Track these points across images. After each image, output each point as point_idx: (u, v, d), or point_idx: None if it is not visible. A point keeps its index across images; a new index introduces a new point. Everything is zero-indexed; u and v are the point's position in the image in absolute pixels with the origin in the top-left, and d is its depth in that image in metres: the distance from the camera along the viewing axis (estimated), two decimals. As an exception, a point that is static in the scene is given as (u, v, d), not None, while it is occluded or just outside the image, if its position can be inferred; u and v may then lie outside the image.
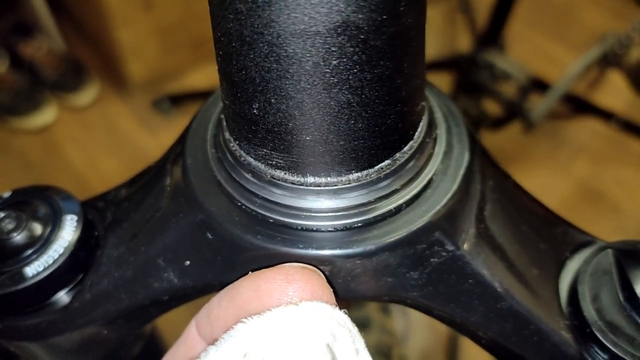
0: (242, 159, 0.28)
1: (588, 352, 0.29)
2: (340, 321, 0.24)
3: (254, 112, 0.25)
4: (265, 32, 0.21)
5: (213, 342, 0.24)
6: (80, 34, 2.00)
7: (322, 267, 0.27)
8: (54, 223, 0.33)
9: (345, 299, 0.29)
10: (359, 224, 0.27)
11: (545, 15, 2.14)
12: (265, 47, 0.22)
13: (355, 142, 0.25)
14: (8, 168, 1.71)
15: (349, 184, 0.26)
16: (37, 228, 0.32)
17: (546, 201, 0.34)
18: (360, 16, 0.21)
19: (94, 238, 0.33)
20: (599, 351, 0.29)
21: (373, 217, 0.27)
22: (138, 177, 0.36)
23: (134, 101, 1.87)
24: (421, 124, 0.28)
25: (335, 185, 0.26)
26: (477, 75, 1.44)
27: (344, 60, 0.22)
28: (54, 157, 1.74)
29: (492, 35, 1.54)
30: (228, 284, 0.26)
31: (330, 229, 0.27)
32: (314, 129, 0.24)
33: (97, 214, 0.35)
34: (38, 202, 0.34)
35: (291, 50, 0.22)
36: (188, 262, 0.30)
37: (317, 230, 0.27)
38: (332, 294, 0.25)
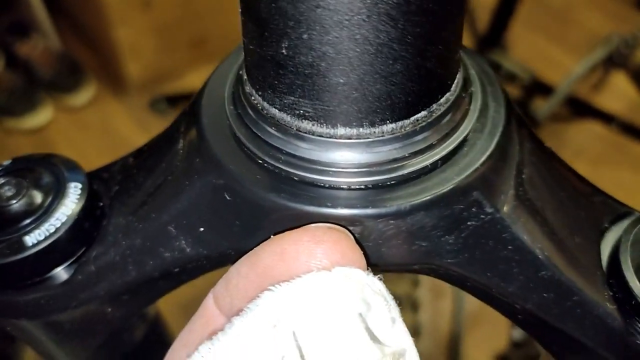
0: (265, 112, 0.26)
1: (633, 325, 0.27)
2: (374, 288, 0.22)
3: (283, 53, 0.23)
4: None
5: (234, 314, 0.22)
6: (76, 33, 1.99)
7: (351, 228, 0.25)
8: (56, 191, 0.31)
9: (375, 268, 0.27)
10: (392, 181, 0.25)
11: (544, 17, 2.14)
12: None
13: (393, 87, 0.23)
14: (2, 168, 1.68)
15: (382, 136, 0.24)
16: (38, 196, 0.30)
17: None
18: None
19: (99, 209, 0.31)
20: (645, 324, 0.27)
21: (407, 173, 0.25)
22: (146, 146, 0.34)
23: (130, 102, 1.85)
24: (457, 76, 0.26)
25: (367, 138, 0.24)
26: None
27: None
28: (49, 157, 1.72)
29: (494, 36, 1.53)
30: (245, 252, 0.24)
31: (360, 187, 0.25)
32: (349, 69, 0.22)
33: (102, 184, 0.33)
34: (40, 169, 0.32)
35: None
36: (202, 229, 0.28)
37: (346, 188, 0.25)
38: (363, 256, 0.23)
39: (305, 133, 0.25)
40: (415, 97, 0.24)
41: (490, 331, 1.26)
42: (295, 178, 0.25)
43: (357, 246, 0.23)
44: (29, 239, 0.29)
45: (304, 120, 0.25)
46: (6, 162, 0.32)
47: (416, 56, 0.22)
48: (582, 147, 1.78)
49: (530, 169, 0.28)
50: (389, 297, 0.23)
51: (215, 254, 0.28)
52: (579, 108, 1.64)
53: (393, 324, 0.22)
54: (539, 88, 1.54)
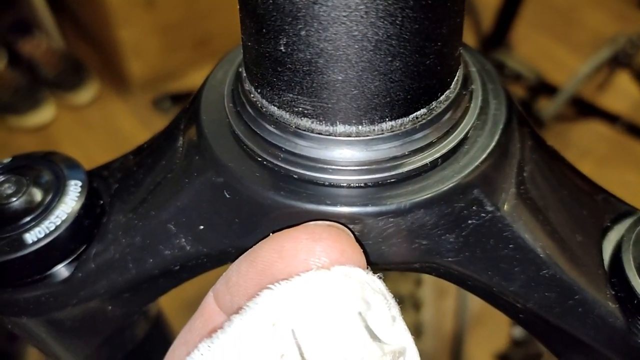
0: (264, 109, 0.25)
1: (635, 324, 0.27)
2: (374, 286, 0.22)
3: (281, 49, 0.22)
4: None
5: (234, 312, 0.22)
6: (79, 32, 1.99)
7: (351, 226, 0.25)
8: (56, 189, 0.31)
9: (375, 268, 0.27)
10: (392, 179, 0.25)
11: (548, 17, 2.14)
12: None
13: (392, 84, 0.23)
14: (5, 167, 1.69)
15: (381, 134, 0.24)
16: (38, 194, 0.30)
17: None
18: None
19: (99, 206, 0.31)
20: (647, 324, 0.27)
21: (407, 171, 0.25)
22: (146, 144, 0.34)
23: (134, 100, 1.85)
24: (457, 73, 0.26)
25: (367, 136, 0.24)
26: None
27: None
28: (52, 156, 1.72)
29: (498, 35, 1.53)
30: (245, 250, 0.24)
31: (360, 184, 0.25)
32: (347, 66, 0.22)
33: (102, 181, 0.33)
34: (41, 167, 0.32)
35: None
36: (202, 226, 0.28)
37: (346, 186, 0.25)
38: (362, 254, 0.23)
39: (304, 131, 0.25)
40: (414, 94, 0.24)
41: (492, 330, 1.26)
42: (294, 176, 0.25)
43: (356, 244, 0.23)
44: (29, 237, 0.29)
45: (303, 118, 0.24)
46: (6, 160, 0.32)
47: (415, 53, 0.22)
48: (587, 148, 1.77)
49: (532, 167, 0.28)
50: (389, 296, 0.23)
51: (216, 252, 0.28)
52: (584, 108, 1.64)
53: (393, 323, 0.22)
54: (544, 88, 1.53)
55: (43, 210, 0.30)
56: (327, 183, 0.25)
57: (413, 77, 0.23)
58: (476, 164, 0.25)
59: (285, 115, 0.25)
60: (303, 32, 0.21)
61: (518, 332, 1.09)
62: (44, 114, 1.78)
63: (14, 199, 0.30)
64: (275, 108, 0.25)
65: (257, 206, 0.26)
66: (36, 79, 1.82)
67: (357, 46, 0.21)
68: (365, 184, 0.25)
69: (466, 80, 0.27)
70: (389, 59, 0.22)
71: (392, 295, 0.23)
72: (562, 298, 0.26)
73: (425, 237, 0.25)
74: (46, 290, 0.30)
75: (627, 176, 1.69)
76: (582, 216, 0.29)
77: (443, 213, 0.25)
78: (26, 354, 1.21)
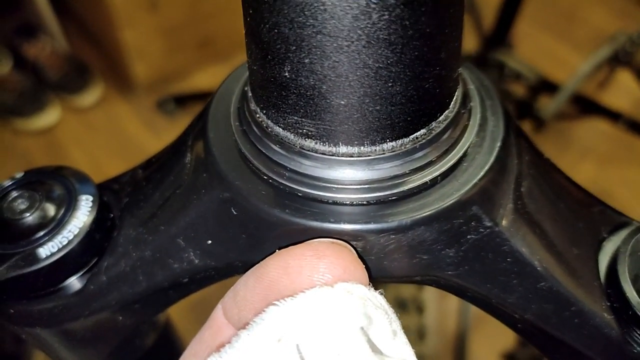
0: (270, 129, 0.26)
1: (630, 334, 0.28)
2: (376, 302, 0.23)
3: (285, 75, 0.23)
4: None
5: (241, 325, 0.23)
6: (84, 35, 2.00)
7: (353, 243, 0.25)
8: (68, 204, 0.31)
9: (377, 280, 0.27)
10: (393, 197, 0.26)
11: (550, 15, 2.14)
12: (301, 0, 0.21)
13: (392, 107, 0.24)
14: (11, 169, 1.70)
15: (382, 154, 0.25)
16: (51, 208, 0.31)
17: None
18: None
19: (110, 220, 0.32)
20: (642, 334, 0.27)
21: (408, 189, 0.26)
22: (154, 158, 0.35)
23: (138, 102, 1.86)
24: (456, 93, 0.27)
25: (369, 156, 0.25)
26: (486, 74, 1.43)
27: (385, 14, 0.21)
28: (57, 158, 1.73)
29: (499, 34, 1.53)
30: (252, 264, 0.25)
31: (362, 202, 0.26)
32: (349, 91, 0.23)
33: (112, 195, 0.34)
34: (52, 182, 0.33)
35: (329, 3, 0.20)
36: (210, 241, 0.29)
37: (348, 204, 0.26)
38: (365, 270, 0.24)
39: (309, 151, 0.25)
40: (414, 116, 0.25)
41: (496, 329, 1.26)
42: (299, 194, 0.26)
43: (359, 260, 0.24)
44: (43, 251, 0.30)
45: (307, 139, 0.25)
46: (18, 175, 0.33)
47: (414, 78, 0.23)
48: (589, 146, 1.77)
49: (529, 182, 0.29)
50: (390, 311, 0.23)
51: (223, 265, 0.29)
52: (586, 106, 1.64)
53: (394, 337, 0.23)
54: (546, 86, 1.53)
55: (56, 225, 0.30)
56: (330, 201, 0.26)
57: (413, 101, 0.24)
58: (474, 181, 0.26)
59: (290, 136, 0.26)
60: (307, 60, 0.22)
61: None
62: (49, 116, 1.79)
63: (28, 214, 0.30)
64: (281, 129, 0.26)
65: (263, 223, 0.26)
66: (41, 81, 1.83)
67: (358, 73, 0.22)
68: (367, 201, 0.26)
69: (465, 99, 0.28)
70: (390, 84, 0.23)
71: (393, 310, 0.24)
72: (558, 309, 0.27)
73: (426, 252, 0.26)
74: (59, 302, 0.31)
75: (630, 174, 1.69)
76: (578, 229, 0.30)
77: (443, 229, 0.26)
78: (33, 356, 1.22)
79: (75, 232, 0.30)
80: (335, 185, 0.26)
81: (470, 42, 1.73)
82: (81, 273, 0.31)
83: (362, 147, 0.25)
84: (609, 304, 0.28)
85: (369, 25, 0.21)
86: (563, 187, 0.31)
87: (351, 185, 0.26)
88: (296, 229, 0.26)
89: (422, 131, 0.25)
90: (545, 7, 2.10)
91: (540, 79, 1.41)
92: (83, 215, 0.31)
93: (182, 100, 1.81)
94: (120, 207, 0.33)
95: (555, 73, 1.67)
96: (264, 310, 0.22)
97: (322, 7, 0.21)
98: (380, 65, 0.22)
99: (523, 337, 0.30)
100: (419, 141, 0.25)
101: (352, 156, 0.25)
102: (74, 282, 0.31)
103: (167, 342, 0.41)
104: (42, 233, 0.30)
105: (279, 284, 0.23)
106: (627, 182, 1.66)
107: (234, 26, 1.80)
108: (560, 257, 0.28)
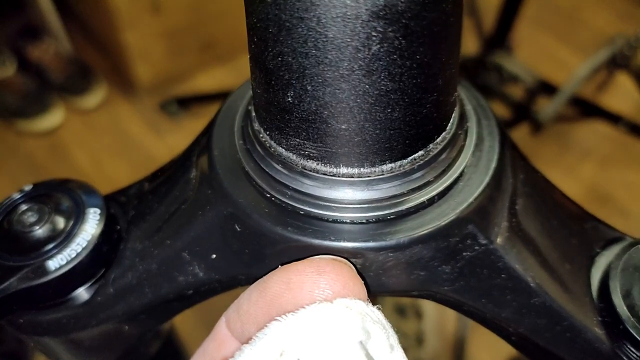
0: (273, 149, 0.27)
1: (621, 349, 0.28)
2: (374, 317, 0.24)
3: (288, 101, 0.24)
4: (305, 16, 0.21)
5: (244, 338, 0.24)
6: (87, 37, 2.01)
7: (353, 260, 0.26)
8: (76, 216, 0.32)
9: (376, 294, 0.28)
10: (392, 216, 0.27)
11: (551, 17, 2.14)
12: (305, 31, 0.22)
13: (391, 132, 0.25)
14: (15, 171, 1.71)
15: (382, 174, 0.26)
16: (60, 221, 0.32)
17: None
18: (402, 0, 0.20)
19: (117, 232, 0.33)
20: (632, 348, 0.28)
21: (406, 209, 0.27)
22: (160, 171, 0.36)
23: (141, 104, 1.87)
24: (453, 115, 0.28)
25: (368, 176, 0.26)
26: (484, 77, 1.44)
27: (385, 45, 0.21)
28: (61, 160, 1.74)
29: (499, 37, 1.54)
30: (255, 278, 0.26)
31: (362, 221, 0.27)
32: (350, 117, 0.24)
33: (119, 208, 0.35)
34: (60, 195, 0.33)
35: (331, 35, 0.21)
36: (214, 256, 0.30)
37: (349, 222, 0.27)
38: (363, 286, 0.25)
39: (310, 171, 0.26)
40: (412, 139, 0.25)
41: (495, 336, 1.26)
42: (301, 212, 0.27)
43: (358, 277, 0.25)
44: (52, 264, 0.30)
45: (309, 160, 0.26)
46: (27, 187, 0.34)
47: (413, 104, 0.24)
48: (590, 148, 1.77)
49: (524, 200, 0.30)
50: (388, 326, 0.24)
51: (227, 278, 0.30)
52: (586, 108, 1.64)
53: (392, 351, 0.24)
54: (546, 89, 1.54)
55: (65, 238, 0.31)
56: (331, 219, 0.27)
57: (411, 125, 0.25)
58: (470, 200, 0.27)
59: (292, 156, 0.27)
60: (309, 87, 0.23)
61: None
62: (53, 118, 1.80)
63: (37, 227, 0.31)
64: (283, 150, 0.27)
65: (265, 239, 0.27)
66: (45, 83, 1.84)
67: (359, 100, 0.23)
68: (366, 220, 0.27)
69: (462, 119, 0.29)
70: (389, 110, 0.24)
71: (391, 325, 0.25)
72: (551, 324, 0.28)
73: (423, 269, 0.27)
74: (67, 313, 0.32)
75: (630, 176, 1.69)
76: (571, 245, 0.31)
77: (440, 247, 0.27)
78: (34, 356, 1.23)
79: (84, 245, 0.31)
80: (336, 205, 0.27)
81: (470, 44, 1.74)
82: (89, 284, 0.32)
83: (362, 168, 0.26)
84: (600, 318, 0.29)
85: (368, 56, 0.22)
86: (557, 203, 0.32)
87: (351, 204, 0.26)
88: (298, 246, 0.27)
89: (420, 153, 0.26)
90: (546, 9, 2.10)
91: (538, 81, 1.41)
92: (91, 227, 0.32)
93: (184, 102, 1.82)
94: (126, 220, 0.34)
95: (557, 75, 1.68)
96: (266, 325, 0.23)
97: (324, 39, 0.21)
98: (380, 93, 0.23)
99: (517, 349, 0.31)
100: (417, 162, 0.26)
101: (352, 177, 0.26)
102: (82, 293, 0.32)
103: (170, 349, 0.42)
104: (51, 246, 0.31)
105: (281, 298, 0.24)
106: (627, 183, 1.66)
107: (236, 29, 1.81)
108: (553, 273, 0.29)
